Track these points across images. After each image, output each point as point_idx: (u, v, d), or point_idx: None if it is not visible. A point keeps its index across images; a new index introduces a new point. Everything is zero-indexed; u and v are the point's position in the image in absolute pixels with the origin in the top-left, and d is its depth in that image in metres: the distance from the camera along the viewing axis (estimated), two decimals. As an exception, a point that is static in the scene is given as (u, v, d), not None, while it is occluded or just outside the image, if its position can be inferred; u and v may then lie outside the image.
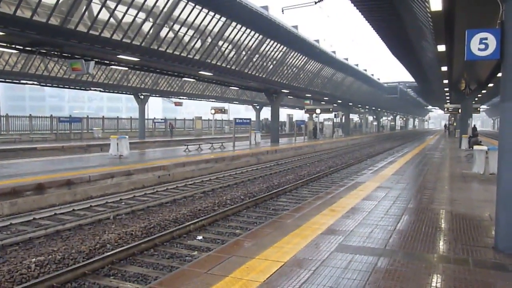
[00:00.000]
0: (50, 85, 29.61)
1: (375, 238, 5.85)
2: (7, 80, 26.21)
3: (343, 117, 58.36)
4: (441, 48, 16.10)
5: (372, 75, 51.22)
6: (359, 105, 60.00)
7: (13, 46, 15.16)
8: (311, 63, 33.18)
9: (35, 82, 27.39)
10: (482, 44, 5.42)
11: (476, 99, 36.06)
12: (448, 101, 44.39)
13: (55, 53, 15.78)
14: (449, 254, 5.23)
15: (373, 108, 67.92)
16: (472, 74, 24.07)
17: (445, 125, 67.33)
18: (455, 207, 7.99)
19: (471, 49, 5.49)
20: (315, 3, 14.61)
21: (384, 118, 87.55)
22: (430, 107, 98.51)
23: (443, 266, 4.77)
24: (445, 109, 44.80)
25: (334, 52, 35.38)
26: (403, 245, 5.55)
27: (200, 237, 7.98)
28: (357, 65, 43.61)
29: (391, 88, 55.53)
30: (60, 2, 13.52)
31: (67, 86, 30.69)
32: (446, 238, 5.92)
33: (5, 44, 14.88)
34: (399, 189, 10.03)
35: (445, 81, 27.61)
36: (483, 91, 31.85)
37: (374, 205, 8.10)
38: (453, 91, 32.44)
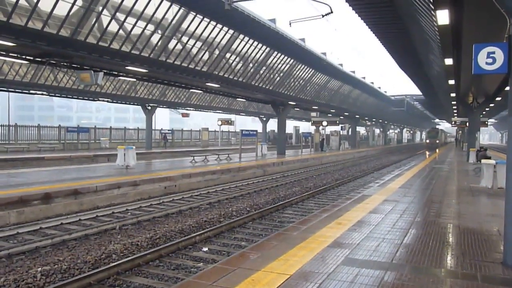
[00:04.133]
0: (59, 95, 29.92)
1: (382, 251, 5.80)
2: (17, 90, 26.57)
3: (350, 130, 58.27)
4: (449, 61, 16.11)
5: (379, 88, 51.25)
6: (366, 118, 59.95)
7: (24, 57, 15.37)
8: (318, 76, 33.28)
9: (44, 92, 27.68)
10: (489, 58, 5.42)
11: (484, 112, 35.90)
12: (455, 114, 44.23)
13: (65, 64, 15.97)
14: (457, 269, 5.18)
15: (380, 120, 67.81)
16: (480, 87, 24.02)
17: (456, 139, 65.82)
18: (462, 221, 7.92)
19: (478, 63, 5.49)
20: (323, 16, 14.70)
21: (391, 130, 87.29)
22: (437, 120, 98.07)
23: (450, 281, 4.72)
24: (453, 123, 44.61)
25: (341, 64, 35.49)
26: (410, 259, 5.50)
27: (205, 249, 7.95)
28: (364, 77, 43.68)
29: (398, 101, 55.51)
30: (70, 13, 13.74)
31: (76, 97, 31.03)
32: (454, 253, 5.86)
33: (16, 55, 15.10)
34: (406, 203, 9.96)
35: (453, 95, 27.55)
36: (491, 105, 31.70)
37: (381, 218, 8.04)
38: (461, 105, 32.33)
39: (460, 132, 57.80)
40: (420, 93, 45.36)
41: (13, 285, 5.84)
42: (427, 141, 61.89)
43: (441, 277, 4.86)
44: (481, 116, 33.20)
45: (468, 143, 29.52)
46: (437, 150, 31.29)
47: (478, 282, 4.70)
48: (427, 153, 40.15)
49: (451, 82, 21.51)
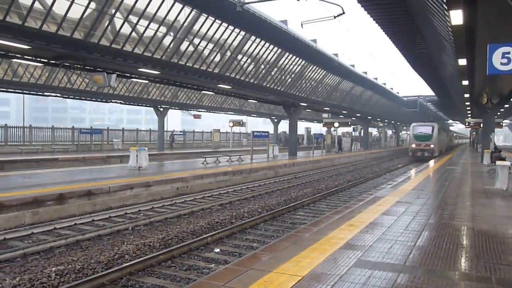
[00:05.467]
0: (72, 97, 30.28)
1: (395, 253, 5.76)
2: (31, 92, 26.92)
3: (362, 131, 57.93)
4: (462, 62, 15.93)
5: (392, 88, 50.87)
6: (378, 119, 59.49)
7: (39, 59, 15.58)
8: (329, 77, 33.15)
9: (58, 94, 28.05)
10: (504, 58, 5.37)
11: (499, 113, 35.43)
12: (469, 115, 43.70)
13: (78, 66, 16.14)
14: (471, 271, 5.12)
15: (392, 121, 67.25)
16: (494, 88, 23.70)
17: (472, 141, 62.08)
18: (477, 224, 7.82)
19: (493, 64, 5.45)
20: (334, 17, 14.66)
21: (403, 132, 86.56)
22: (450, 121, 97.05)
23: (465, 284, 4.67)
24: (466, 124, 44.08)
25: (353, 65, 35.32)
26: (423, 262, 5.45)
27: (217, 250, 7.98)
28: (376, 78, 43.40)
29: (411, 102, 55.01)
30: (84, 16, 13.89)
31: (89, 98, 31.34)
32: (468, 255, 5.79)
33: (31, 58, 15.31)
34: (419, 204, 9.87)
35: (466, 95, 27.22)
36: (506, 105, 31.27)
37: (394, 220, 7.98)
38: (475, 105, 31.94)
39: (474, 133, 56.98)
40: (433, 94, 44.87)
41: (28, 284, 5.92)
42: (412, 146, 36.24)
43: (455, 280, 4.81)
44: (495, 117, 32.79)
45: (483, 144, 29.17)
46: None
47: (493, 285, 4.64)
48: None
49: (465, 82, 21.25)
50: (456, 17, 10.38)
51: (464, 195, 11.75)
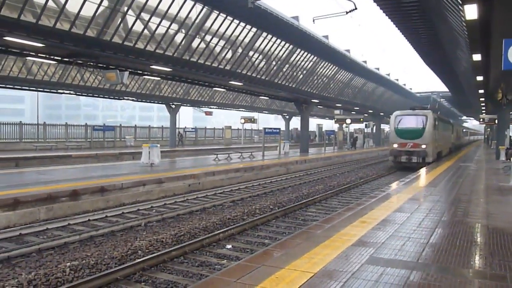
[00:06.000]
0: (85, 94, 30.59)
1: (407, 251, 5.72)
2: (45, 90, 27.29)
3: (374, 127, 57.55)
4: (477, 57, 15.71)
5: (404, 84, 50.45)
6: (391, 115, 58.99)
7: (52, 57, 15.76)
8: (341, 73, 32.98)
9: (72, 92, 28.36)
10: (520, 53, 5.27)
11: (514, 109, 34.85)
12: (483, 111, 43.15)
13: (91, 63, 16.31)
14: (485, 269, 5.06)
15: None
16: (510, 83, 23.31)
17: (486, 137, 59.58)
18: (491, 221, 7.72)
19: (508, 58, 5.36)
20: (346, 13, 14.57)
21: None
22: (464, 117, 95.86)
23: (479, 282, 4.62)
24: (481, 120, 43.48)
25: (365, 61, 35.09)
26: (436, 259, 5.40)
27: (229, 246, 8.00)
28: (388, 74, 43.08)
29: (424, 98, 54.55)
30: (97, 14, 14.01)
31: (102, 96, 31.65)
32: (482, 253, 5.72)
33: (44, 55, 15.50)
34: (432, 201, 9.78)
35: (481, 91, 26.86)
36: (521, 101, 30.77)
37: (406, 217, 7.92)
38: (489, 101, 31.50)
39: (489, 129, 56.18)
40: (447, 90, 44.41)
41: (43, 279, 6.01)
42: (394, 147, 23.87)
43: (469, 278, 4.76)
44: (511, 113, 32.29)
45: (497, 141, 28.78)
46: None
47: (507, 283, 4.58)
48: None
49: (479, 78, 20.96)
50: (471, 11, 10.23)
51: (478, 192, 11.61)
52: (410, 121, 23.52)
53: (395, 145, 23.49)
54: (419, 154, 22.63)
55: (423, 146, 22.73)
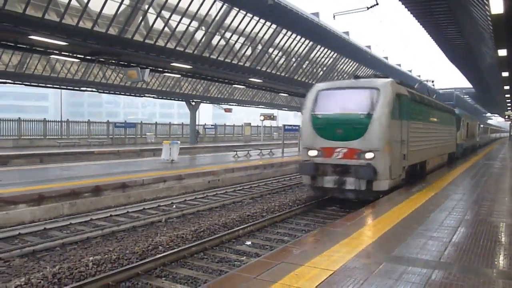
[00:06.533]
0: (107, 92, 31.08)
1: (429, 250, 5.63)
2: (68, 87, 27.81)
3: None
4: (502, 52, 15.32)
5: (426, 81, 49.60)
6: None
7: (75, 55, 16.05)
8: (362, 69, 32.66)
9: (94, 89, 28.85)
10: (548, 48, 5.08)
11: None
12: (509, 108, 42.11)
13: (113, 61, 16.54)
14: (510, 269, 4.94)
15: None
16: (536, 79, 22.72)
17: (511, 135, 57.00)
18: (516, 220, 7.54)
19: (535, 54, 5.20)
20: (367, 8, 14.39)
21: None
22: (489, 114, 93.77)
23: (503, 283, 4.51)
24: (506, 117, 42.38)
25: (386, 57, 34.67)
26: (459, 258, 5.31)
27: (248, 243, 8.02)
28: (410, 70, 42.50)
29: (447, 94, 53.50)
30: (118, 12, 14.19)
31: (123, 93, 32.09)
32: (507, 253, 5.60)
33: (68, 54, 15.79)
34: (455, 200, 9.60)
35: (506, 87, 26.23)
36: (548, 98, 29.97)
37: (428, 215, 7.80)
38: (515, 98, 30.78)
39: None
40: (471, 86, 43.54)
41: (67, 272, 6.14)
42: (309, 155, 10.95)
43: (492, 278, 4.66)
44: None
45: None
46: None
47: (533, 284, 4.47)
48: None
49: (505, 74, 20.45)
50: (496, 5, 9.98)
51: (503, 191, 11.35)
52: (344, 102, 11.03)
53: (311, 153, 11.09)
54: (357, 172, 10.33)
55: (368, 156, 10.30)
